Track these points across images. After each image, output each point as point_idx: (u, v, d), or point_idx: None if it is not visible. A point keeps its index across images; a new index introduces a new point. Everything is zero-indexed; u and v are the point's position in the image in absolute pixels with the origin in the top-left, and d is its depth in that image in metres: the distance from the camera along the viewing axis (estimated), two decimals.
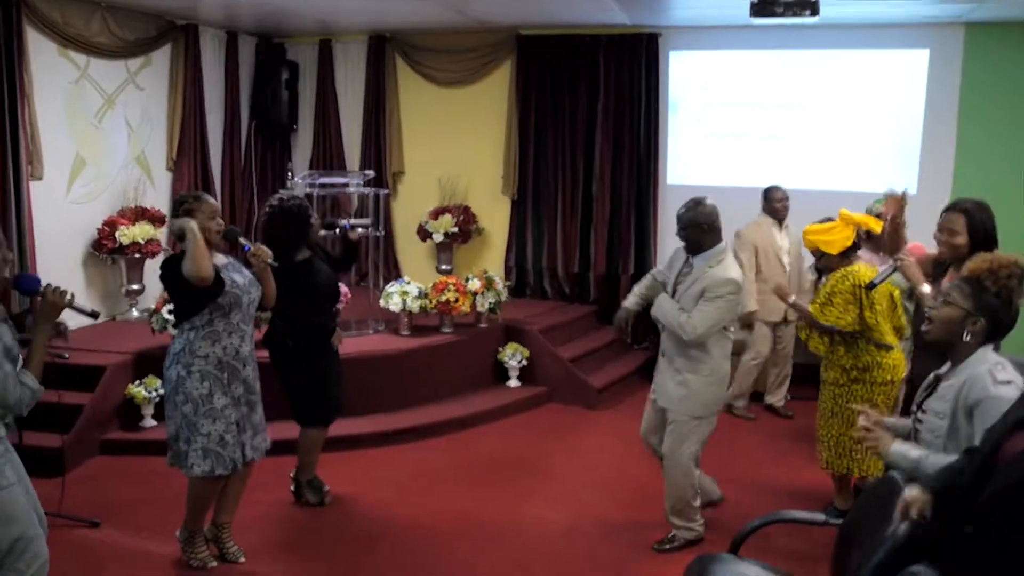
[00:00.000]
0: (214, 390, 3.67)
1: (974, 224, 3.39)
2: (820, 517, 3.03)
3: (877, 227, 4.30)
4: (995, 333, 2.62)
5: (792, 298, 4.62)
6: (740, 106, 7.49)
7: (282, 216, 4.37)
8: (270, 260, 3.87)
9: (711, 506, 4.54)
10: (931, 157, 7.02)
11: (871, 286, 3.63)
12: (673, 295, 4.11)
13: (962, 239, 3.39)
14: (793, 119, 7.35)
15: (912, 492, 2.38)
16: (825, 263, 4.42)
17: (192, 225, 3.57)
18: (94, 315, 3.26)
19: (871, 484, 2.85)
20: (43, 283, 3.15)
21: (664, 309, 4.06)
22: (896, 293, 4.28)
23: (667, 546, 4.22)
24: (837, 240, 4.31)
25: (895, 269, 3.47)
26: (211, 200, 3.75)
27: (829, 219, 4.49)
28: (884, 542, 2.45)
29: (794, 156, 7.36)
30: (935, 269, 3.67)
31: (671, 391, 4.11)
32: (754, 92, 7.43)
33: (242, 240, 3.92)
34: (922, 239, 5.32)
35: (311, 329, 4.47)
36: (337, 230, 4.92)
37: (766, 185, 6.39)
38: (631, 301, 4.38)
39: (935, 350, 2.78)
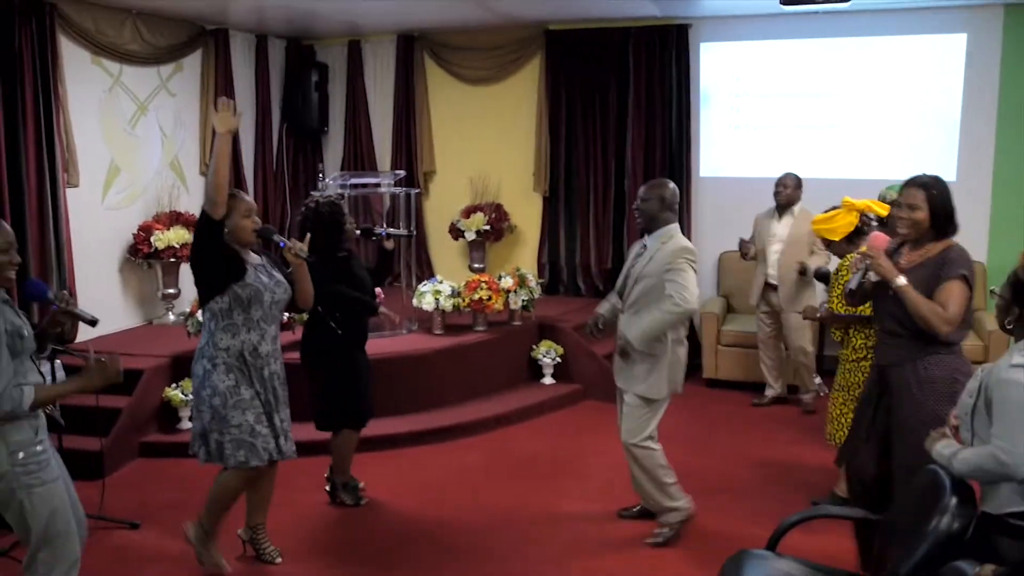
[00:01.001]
0: (240, 381, 3.66)
1: (933, 200, 3.28)
2: (860, 512, 2.97)
3: (883, 211, 4.29)
4: None
5: (818, 314, 4.68)
6: (773, 97, 7.39)
7: (316, 218, 4.45)
8: (304, 254, 3.86)
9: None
10: (970, 145, 6.86)
11: (849, 292, 3.52)
12: (625, 282, 4.12)
13: (922, 214, 3.28)
14: (827, 108, 7.23)
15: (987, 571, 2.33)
16: (834, 250, 4.47)
17: (219, 130, 3.50)
18: (93, 322, 3.28)
19: (915, 480, 2.78)
20: (51, 291, 3.19)
21: (643, 326, 3.98)
22: None
23: (660, 539, 4.18)
24: (840, 227, 4.35)
25: (868, 268, 3.38)
26: (247, 198, 3.75)
27: (836, 207, 4.50)
28: (926, 537, 2.39)
29: (829, 146, 7.24)
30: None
31: (628, 373, 4.12)
32: (787, 82, 7.32)
33: (276, 237, 3.94)
34: (963, 228, 5.24)
35: (355, 306, 4.49)
36: (373, 238, 4.91)
37: (801, 176, 6.30)
38: (604, 307, 4.32)
39: None
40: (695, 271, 3.98)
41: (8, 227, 3.07)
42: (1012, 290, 2.61)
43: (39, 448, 2.96)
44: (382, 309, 5.01)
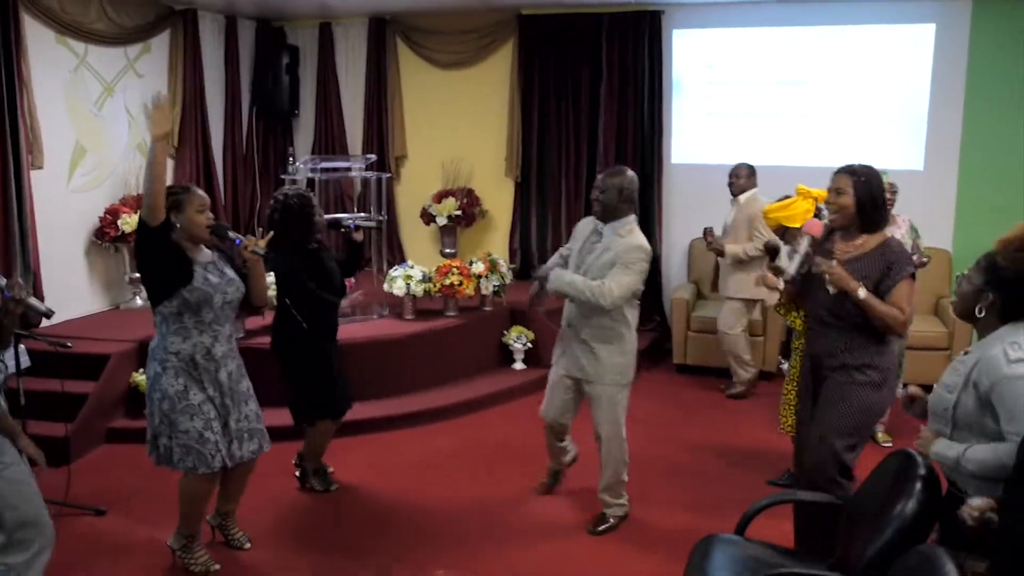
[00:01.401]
0: (189, 386, 3.56)
1: (859, 186, 3.31)
2: (828, 496, 3.01)
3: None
4: (1015, 309, 2.56)
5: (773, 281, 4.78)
6: (744, 84, 7.42)
7: (285, 210, 4.37)
8: (261, 251, 3.78)
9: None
10: (937, 133, 6.94)
11: (791, 280, 3.53)
12: (578, 266, 4.08)
13: (847, 199, 3.31)
14: (798, 96, 7.28)
15: (976, 501, 2.31)
16: (790, 238, 4.49)
17: (154, 133, 3.40)
18: (47, 314, 3.23)
19: (882, 462, 2.82)
20: (2, 279, 3.09)
21: (569, 280, 3.97)
22: None
23: (601, 527, 4.22)
24: (797, 214, 4.37)
25: (808, 253, 3.39)
26: (201, 193, 3.65)
27: (788, 196, 4.54)
28: (892, 520, 2.43)
29: (799, 133, 7.29)
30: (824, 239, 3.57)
31: (587, 363, 4.10)
32: (758, 70, 7.35)
33: (231, 234, 3.87)
34: (929, 217, 5.31)
35: (323, 310, 4.44)
36: (341, 230, 4.84)
37: (771, 163, 6.35)
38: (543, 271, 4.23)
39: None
40: (643, 273, 3.98)
41: None
42: (986, 275, 2.58)
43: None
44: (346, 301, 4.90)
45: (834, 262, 3.28)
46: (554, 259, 4.46)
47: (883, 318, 3.23)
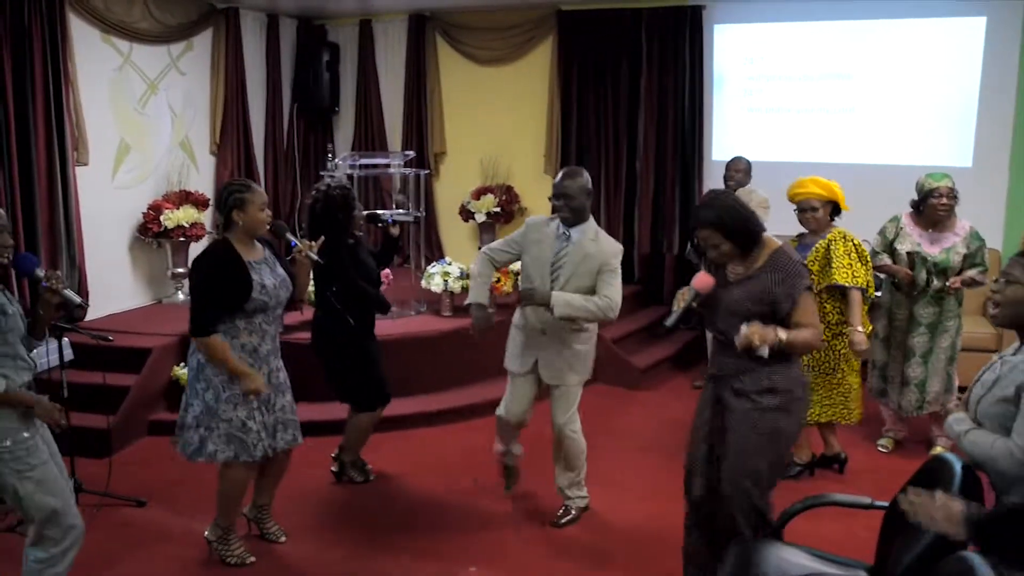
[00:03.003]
0: (234, 378, 3.59)
1: (725, 229, 3.07)
2: (866, 500, 2.94)
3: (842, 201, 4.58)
4: None
5: None
6: (787, 80, 7.30)
7: (325, 203, 4.40)
8: (315, 257, 3.86)
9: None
10: (987, 129, 6.76)
11: (664, 327, 3.30)
12: (553, 277, 3.96)
13: (727, 246, 3.10)
14: (842, 92, 7.14)
15: (944, 500, 2.28)
16: (813, 217, 4.55)
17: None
18: (80, 307, 3.30)
19: (920, 467, 2.75)
20: (40, 266, 3.18)
21: (578, 305, 3.89)
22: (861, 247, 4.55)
23: (564, 519, 4.24)
24: (820, 185, 4.55)
25: (693, 300, 3.17)
26: (261, 190, 3.70)
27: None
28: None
29: (844, 130, 7.16)
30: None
31: (562, 366, 4.09)
32: (801, 65, 7.23)
33: (288, 236, 3.90)
34: (978, 215, 5.18)
35: (369, 302, 4.49)
36: (379, 224, 4.87)
37: (814, 160, 6.23)
38: (481, 295, 4.13)
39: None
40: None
41: (1, 210, 3.06)
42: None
43: (26, 435, 2.99)
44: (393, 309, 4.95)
45: (746, 328, 2.95)
46: (480, 269, 4.20)
47: (805, 346, 3.11)
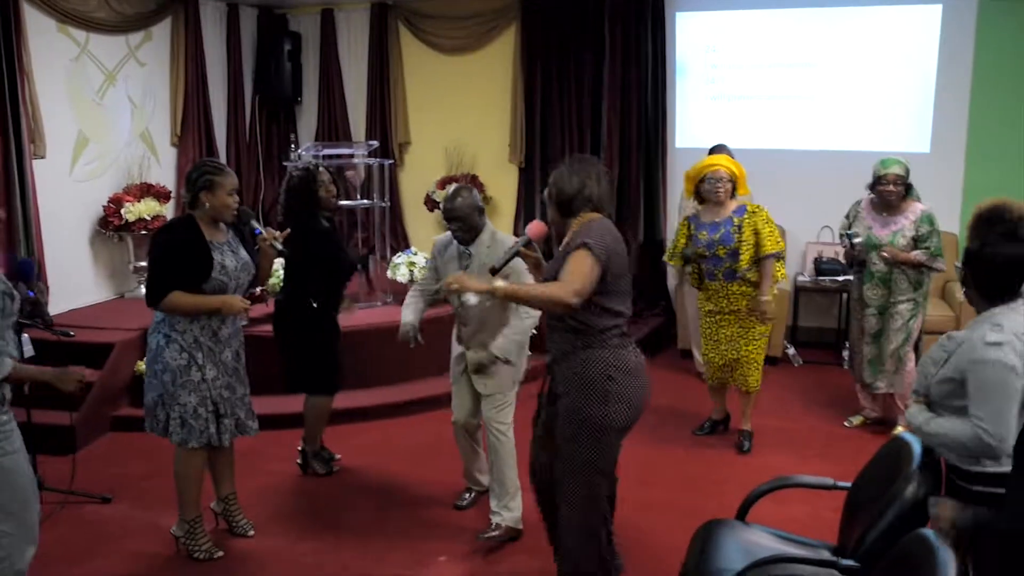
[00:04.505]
0: (191, 363, 3.61)
1: (553, 199, 3.10)
2: (828, 481, 2.99)
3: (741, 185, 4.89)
4: (989, 284, 2.58)
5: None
6: (749, 67, 7.36)
7: (287, 191, 4.52)
8: (279, 245, 3.87)
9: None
10: (944, 116, 6.87)
11: (494, 270, 3.25)
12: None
13: (552, 212, 3.15)
14: (803, 79, 7.21)
15: (943, 509, 2.35)
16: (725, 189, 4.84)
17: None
18: (48, 325, 3.37)
19: (880, 448, 2.81)
20: (35, 280, 3.18)
21: (511, 342, 3.90)
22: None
23: (487, 534, 3.95)
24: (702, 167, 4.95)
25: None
26: (232, 175, 3.69)
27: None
28: (891, 505, 2.42)
29: (805, 116, 7.23)
30: None
31: (503, 372, 3.99)
32: (763, 53, 7.29)
33: (253, 223, 3.88)
34: (936, 200, 5.27)
35: (334, 289, 4.52)
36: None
37: (776, 147, 6.30)
38: (414, 316, 4.18)
39: None
40: None
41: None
42: (964, 255, 2.64)
43: (4, 418, 2.93)
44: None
45: (459, 273, 2.96)
46: (413, 300, 4.29)
47: (539, 300, 2.95)
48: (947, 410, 2.57)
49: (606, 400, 2.97)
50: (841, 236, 5.15)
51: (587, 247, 2.86)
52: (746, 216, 4.78)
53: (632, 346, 3.11)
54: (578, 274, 2.85)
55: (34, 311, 3.37)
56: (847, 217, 5.16)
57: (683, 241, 5.00)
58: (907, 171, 4.91)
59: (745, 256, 4.75)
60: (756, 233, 4.73)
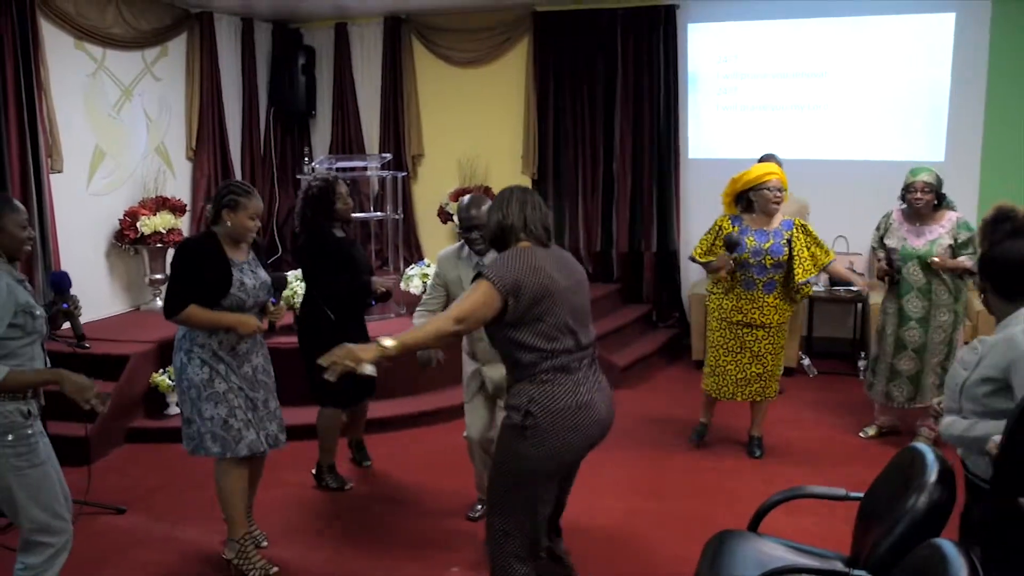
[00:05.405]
0: (214, 376, 3.61)
1: (488, 236, 3.09)
2: (841, 492, 2.97)
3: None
4: (1006, 284, 2.61)
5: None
6: (761, 77, 7.36)
7: (305, 200, 4.57)
8: (276, 318, 3.92)
9: None
10: (959, 124, 6.84)
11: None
12: None
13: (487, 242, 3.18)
14: (816, 89, 7.21)
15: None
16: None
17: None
18: (81, 338, 3.63)
19: (894, 457, 2.78)
20: (71, 292, 3.39)
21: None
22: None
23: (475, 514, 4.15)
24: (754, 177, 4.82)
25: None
26: (259, 200, 3.70)
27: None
28: (904, 515, 2.39)
29: (818, 127, 7.22)
30: None
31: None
32: (775, 63, 7.29)
33: (271, 301, 3.88)
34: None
35: (349, 296, 4.52)
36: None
37: (790, 157, 6.26)
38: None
39: None
40: None
41: (20, 204, 3.10)
42: (979, 263, 2.67)
43: (29, 432, 2.97)
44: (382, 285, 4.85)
45: (345, 346, 2.87)
46: (435, 301, 4.21)
47: (430, 340, 2.92)
48: (982, 415, 2.56)
49: (521, 436, 2.86)
50: (873, 249, 5.12)
51: (485, 277, 2.84)
52: (794, 230, 4.73)
53: (573, 383, 2.90)
54: (467, 302, 2.83)
55: (68, 321, 3.48)
56: (878, 229, 5.11)
57: (712, 239, 4.90)
58: (938, 180, 4.87)
59: (799, 271, 4.70)
60: (809, 247, 4.74)
